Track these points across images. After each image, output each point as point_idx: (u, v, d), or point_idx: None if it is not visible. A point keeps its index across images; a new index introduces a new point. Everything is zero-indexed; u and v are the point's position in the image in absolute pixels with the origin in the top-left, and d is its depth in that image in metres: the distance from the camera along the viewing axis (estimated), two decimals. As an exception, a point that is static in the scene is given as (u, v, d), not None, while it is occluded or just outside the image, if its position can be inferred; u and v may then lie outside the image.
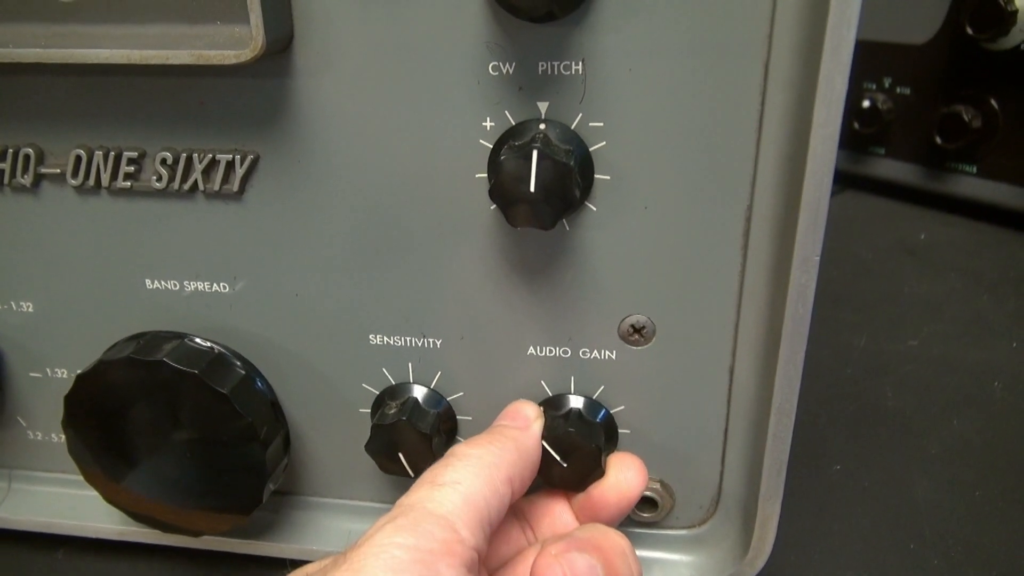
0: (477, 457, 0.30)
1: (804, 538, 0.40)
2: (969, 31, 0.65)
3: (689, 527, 0.37)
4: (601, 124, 0.29)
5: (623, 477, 0.33)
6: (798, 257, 0.28)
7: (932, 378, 0.52)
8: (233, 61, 0.27)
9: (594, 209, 0.30)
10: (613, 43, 0.27)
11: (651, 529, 0.37)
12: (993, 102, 0.68)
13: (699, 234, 0.30)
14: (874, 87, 0.76)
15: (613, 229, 0.31)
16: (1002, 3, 0.63)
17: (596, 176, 0.30)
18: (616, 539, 0.31)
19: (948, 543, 0.40)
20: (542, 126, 0.29)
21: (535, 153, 0.27)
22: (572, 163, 0.28)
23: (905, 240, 0.72)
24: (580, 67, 0.28)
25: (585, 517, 0.34)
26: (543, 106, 0.29)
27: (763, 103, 0.28)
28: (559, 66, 0.28)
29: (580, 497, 0.34)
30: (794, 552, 0.39)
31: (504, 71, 0.28)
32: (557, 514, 0.35)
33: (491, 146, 0.30)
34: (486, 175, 0.30)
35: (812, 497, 0.43)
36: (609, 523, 0.34)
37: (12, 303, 0.36)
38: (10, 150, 0.33)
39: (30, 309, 0.36)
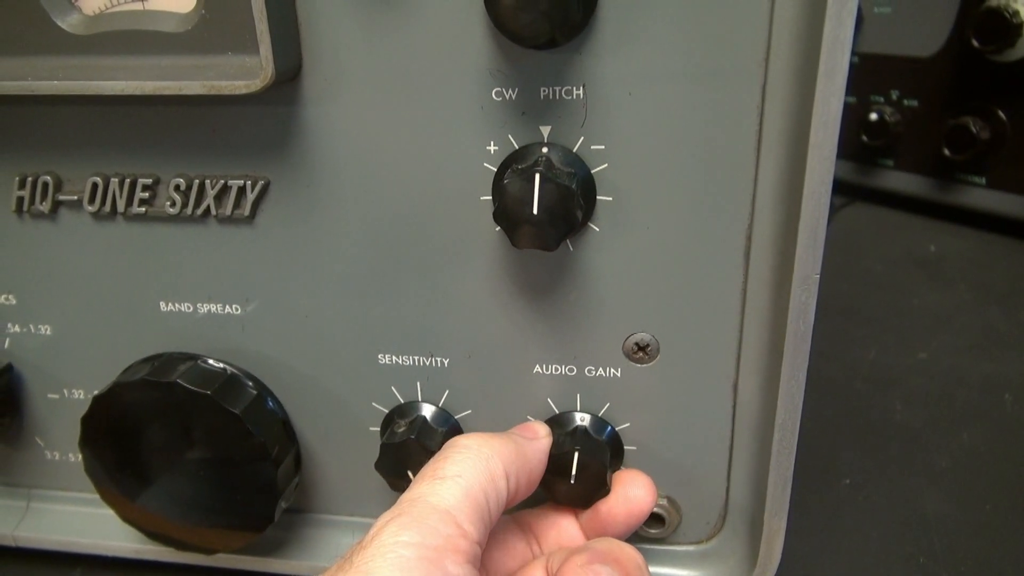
0: (476, 449, 0.30)
1: (813, 552, 0.40)
2: (975, 44, 0.66)
3: (696, 542, 0.37)
4: (602, 147, 0.29)
5: (632, 494, 0.34)
6: (798, 275, 0.28)
7: (942, 391, 0.52)
8: (244, 91, 0.28)
9: (597, 230, 0.31)
10: (613, 68, 0.28)
11: (659, 545, 0.37)
12: (1000, 113, 0.68)
13: (701, 253, 0.31)
14: (882, 100, 0.76)
15: (616, 249, 0.31)
16: (1007, 16, 0.63)
17: (598, 197, 0.30)
18: (631, 552, 0.31)
19: (958, 557, 0.40)
20: (545, 149, 0.29)
21: (538, 176, 0.28)
22: (574, 185, 0.28)
23: (914, 252, 0.72)
24: (581, 92, 0.29)
25: (592, 532, 0.35)
26: (545, 130, 0.29)
27: (761, 125, 0.28)
28: (561, 91, 0.29)
29: (588, 512, 0.35)
30: (803, 566, 0.39)
31: (507, 96, 0.29)
32: (564, 527, 0.35)
33: (495, 169, 0.30)
34: (491, 197, 0.31)
35: (821, 511, 0.43)
36: (619, 538, 0.34)
37: (31, 326, 0.37)
38: (29, 178, 0.34)
39: (48, 332, 0.37)
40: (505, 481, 0.30)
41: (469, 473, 0.29)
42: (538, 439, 0.33)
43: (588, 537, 0.35)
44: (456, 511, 0.27)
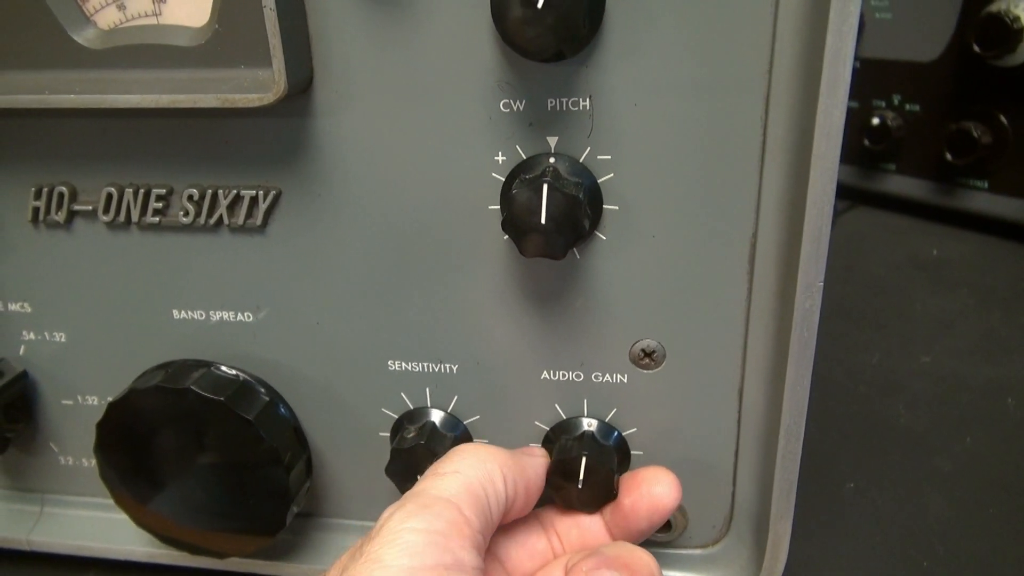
0: (474, 451, 0.31)
1: (817, 556, 0.41)
2: (976, 49, 0.66)
3: (703, 546, 0.38)
4: (609, 157, 0.30)
5: (657, 491, 0.34)
6: (802, 283, 0.29)
7: (945, 395, 0.53)
8: (257, 104, 0.29)
9: (604, 238, 0.31)
10: (619, 80, 0.29)
11: (665, 548, 0.38)
12: (1002, 118, 0.68)
13: (706, 261, 0.31)
14: (884, 104, 0.77)
15: (622, 257, 0.31)
16: (1008, 21, 0.64)
17: (605, 207, 0.31)
18: (643, 556, 0.32)
19: (961, 561, 0.40)
20: (552, 160, 0.30)
21: (545, 186, 0.28)
22: (581, 195, 0.29)
23: (917, 256, 0.72)
24: (588, 103, 0.29)
25: (617, 529, 0.35)
26: (553, 141, 0.30)
27: (765, 135, 0.29)
28: (567, 103, 0.29)
29: (612, 508, 0.35)
30: (808, 570, 0.40)
31: (515, 108, 0.30)
32: (587, 526, 0.35)
33: (503, 179, 0.31)
34: (499, 207, 0.31)
35: (825, 515, 0.43)
36: (641, 535, 0.34)
37: (46, 333, 0.38)
38: (45, 189, 0.34)
39: (63, 339, 0.38)
40: (503, 483, 0.31)
41: (468, 470, 0.30)
42: (535, 456, 0.34)
43: (614, 534, 0.35)
44: (457, 500, 0.29)
